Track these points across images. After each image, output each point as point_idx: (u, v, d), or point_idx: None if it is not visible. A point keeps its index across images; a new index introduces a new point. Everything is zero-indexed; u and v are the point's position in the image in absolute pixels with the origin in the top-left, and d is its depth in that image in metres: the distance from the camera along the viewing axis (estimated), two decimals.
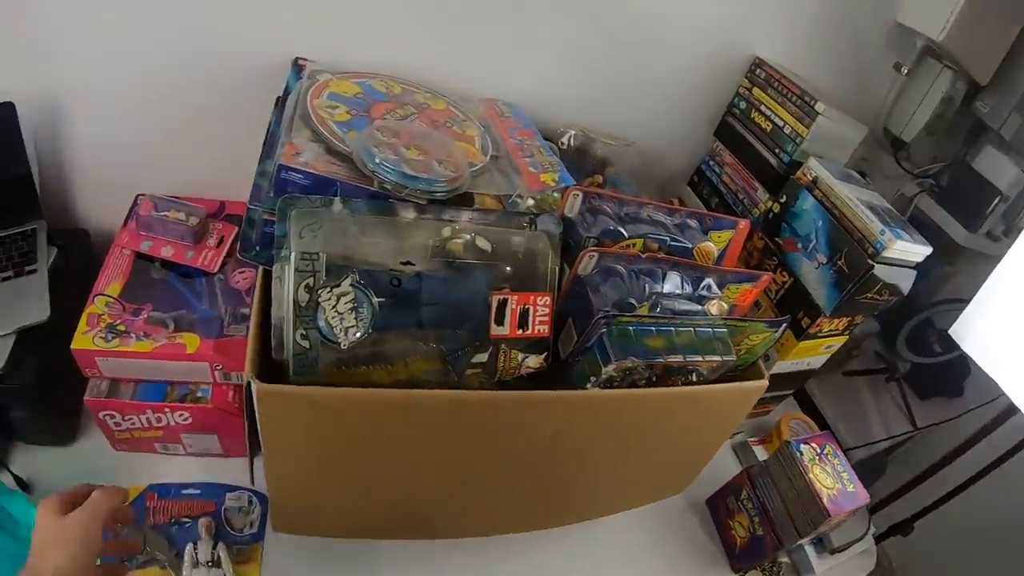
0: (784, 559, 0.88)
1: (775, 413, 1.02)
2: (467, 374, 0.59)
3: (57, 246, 0.73)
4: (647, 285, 0.66)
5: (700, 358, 0.65)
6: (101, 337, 0.67)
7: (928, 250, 0.74)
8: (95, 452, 0.72)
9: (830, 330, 0.83)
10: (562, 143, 0.90)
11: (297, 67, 0.75)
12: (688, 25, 0.89)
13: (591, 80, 0.93)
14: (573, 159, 0.89)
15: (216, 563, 0.68)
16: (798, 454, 0.81)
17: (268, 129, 0.70)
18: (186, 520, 0.70)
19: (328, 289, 0.53)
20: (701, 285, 0.71)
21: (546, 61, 0.89)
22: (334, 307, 0.53)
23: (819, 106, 0.81)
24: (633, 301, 0.65)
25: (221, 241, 0.81)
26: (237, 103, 0.78)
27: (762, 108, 0.91)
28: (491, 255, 0.59)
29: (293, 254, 0.52)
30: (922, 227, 0.85)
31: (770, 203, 0.89)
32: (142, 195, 0.79)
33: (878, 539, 0.92)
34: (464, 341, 0.58)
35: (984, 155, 0.93)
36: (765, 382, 0.72)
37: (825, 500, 0.75)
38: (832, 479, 0.79)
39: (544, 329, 0.60)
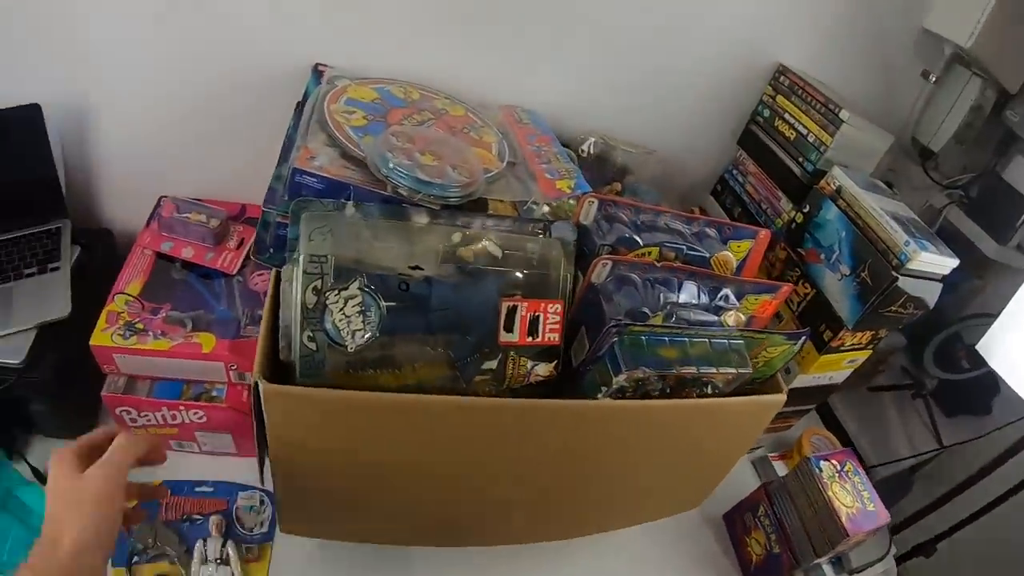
0: None
1: (796, 428, 0.99)
2: (476, 381, 0.58)
3: (81, 245, 0.74)
4: (662, 294, 0.65)
5: (715, 370, 0.62)
6: (120, 334, 0.67)
7: (955, 262, 0.71)
8: None
9: (853, 344, 0.80)
10: (582, 150, 0.88)
11: (317, 73, 0.75)
12: (711, 32, 0.87)
13: (613, 88, 0.92)
14: (593, 167, 0.88)
15: (225, 561, 0.68)
16: (817, 471, 0.78)
17: (287, 134, 0.71)
18: (198, 517, 0.70)
19: (336, 292, 0.52)
20: (718, 295, 0.69)
21: (568, 69, 0.88)
22: (341, 310, 0.52)
23: (844, 114, 0.78)
24: (647, 310, 0.63)
25: (241, 243, 0.81)
26: (259, 108, 0.78)
27: (786, 116, 0.88)
28: (503, 261, 0.58)
29: (302, 256, 0.51)
30: (951, 239, 0.81)
31: (793, 213, 0.86)
32: (165, 197, 0.80)
33: (899, 560, 0.88)
34: (473, 347, 0.57)
35: (1015, 165, 0.89)
36: (783, 396, 0.69)
37: (844, 519, 0.73)
38: (852, 497, 0.76)
39: (555, 337, 0.59)
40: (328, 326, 0.52)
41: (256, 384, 0.50)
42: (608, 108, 0.93)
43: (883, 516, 0.75)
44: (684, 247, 0.68)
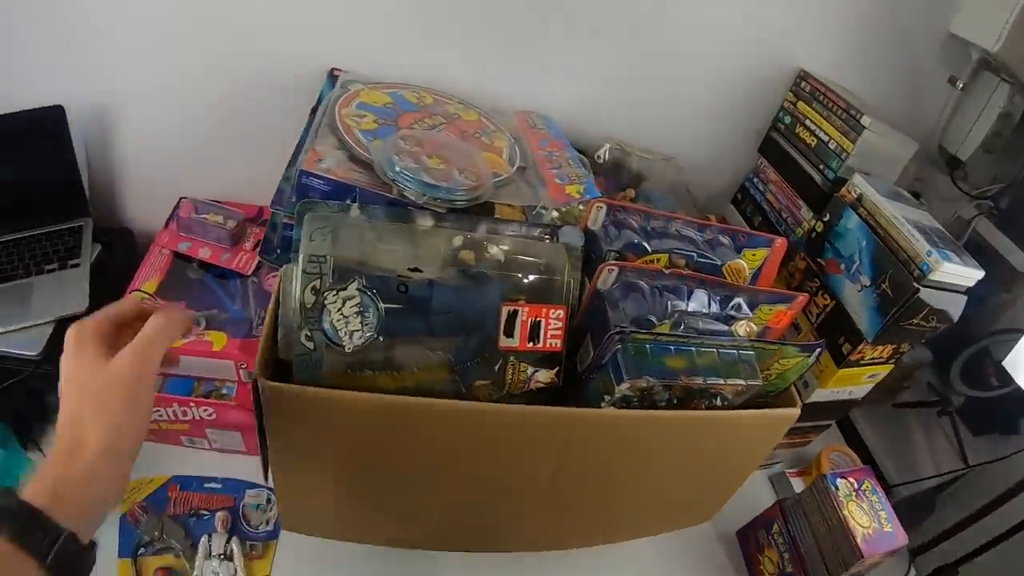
0: None
1: (815, 444, 0.95)
2: (476, 385, 0.57)
3: (101, 243, 0.76)
4: (670, 302, 0.63)
5: (723, 381, 0.60)
6: None
7: (980, 274, 0.67)
8: None
9: (873, 358, 0.77)
10: (598, 156, 0.87)
11: (332, 78, 0.75)
12: (730, 37, 0.85)
13: (631, 94, 0.90)
14: (609, 173, 0.87)
15: (228, 556, 0.68)
16: (833, 488, 0.74)
17: (300, 137, 0.71)
18: (205, 512, 0.71)
19: (334, 292, 0.52)
20: (730, 304, 0.66)
21: (586, 76, 0.88)
22: (339, 310, 0.52)
23: (865, 119, 0.75)
24: (653, 318, 0.61)
25: (257, 245, 0.82)
26: (278, 112, 0.79)
27: (807, 122, 0.85)
28: (506, 266, 0.57)
29: (301, 256, 0.51)
30: (979, 252, 0.77)
31: (813, 222, 0.83)
32: (184, 198, 0.82)
33: None
34: (474, 352, 0.56)
35: None
36: (796, 411, 0.66)
37: (859, 539, 0.69)
38: (868, 518, 0.72)
39: (557, 343, 0.57)
40: (326, 326, 0.52)
41: (256, 381, 0.50)
42: (626, 114, 0.92)
43: (901, 538, 0.71)
44: (695, 254, 0.66)
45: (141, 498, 0.70)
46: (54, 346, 0.66)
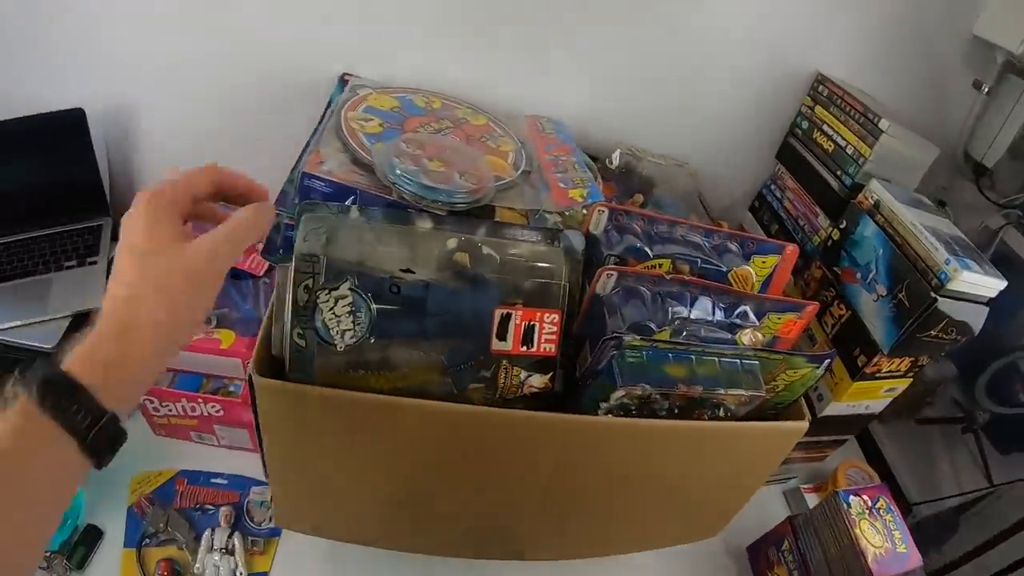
0: None
1: (832, 459, 0.91)
2: (470, 389, 0.56)
3: None
4: (671, 309, 0.61)
5: (724, 391, 0.58)
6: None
7: (1001, 284, 0.63)
8: (137, 434, 0.74)
9: (890, 371, 0.73)
10: (609, 161, 0.85)
11: (343, 82, 0.76)
12: (746, 40, 0.83)
13: (646, 99, 0.89)
14: (620, 178, 0.85)
15: (230, 551, 0.68)
16: (845, 506, 0.71)
17: (308, 140, 0.71)
18: (210, 507, 0.71)
19: (327, 291, 0.51)
20: (735, 312, 0.64)
21: (600, 80, 0.87)
22: (331, 309, 0.52)
23: (883, 123, 0.72)
24: (652, 325, 0.59)
25: None
26: (291, 116, 0.79)
27: (824, 127, 0.82)
28: (503, 269, 0.56)
29: (294, 255, 0.51)
30: (1006, 262, 0.73)
31: (830, 230, 0.80)
32: None
33: None
34: (468, 355, 0.55)
35: None
36: (805, 424, 0.63)
37: (870, 559, 0.66)
38: (881, 537, 0.68)
39: (551, 348, 0.56)
40: (318, 324, 0.52)
41: (250, 376, 0.50)
42: (641, 119, 0.90)
43: (915, 559, 0.67)
44: (699, 260, 0.64)
45: (149, 490, 0.71)
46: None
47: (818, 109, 0.84)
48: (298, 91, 0.79)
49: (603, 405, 0.56)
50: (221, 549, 0.68)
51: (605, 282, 0.59)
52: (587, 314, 0.61)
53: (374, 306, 0.52)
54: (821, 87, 0.83)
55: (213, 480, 0.73)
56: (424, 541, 0.69)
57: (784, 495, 0.92)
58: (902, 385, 0.76)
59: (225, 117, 0.80)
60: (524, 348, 0.55)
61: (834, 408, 0.77)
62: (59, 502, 0.35)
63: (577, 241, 0.62)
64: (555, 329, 0.55)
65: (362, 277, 0.52)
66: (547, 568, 0.73)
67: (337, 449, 0.56)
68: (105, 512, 0.68)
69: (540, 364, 0.56)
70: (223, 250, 0.38)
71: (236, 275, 0.79)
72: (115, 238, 0.77)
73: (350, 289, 0.52)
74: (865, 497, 0.72)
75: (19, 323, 0.65)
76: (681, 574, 0.80)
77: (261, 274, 0.80)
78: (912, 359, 0.72)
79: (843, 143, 0.79)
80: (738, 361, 0.59)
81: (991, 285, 0.64)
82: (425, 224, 0.59)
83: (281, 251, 0.64)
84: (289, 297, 0.52)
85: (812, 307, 0.66)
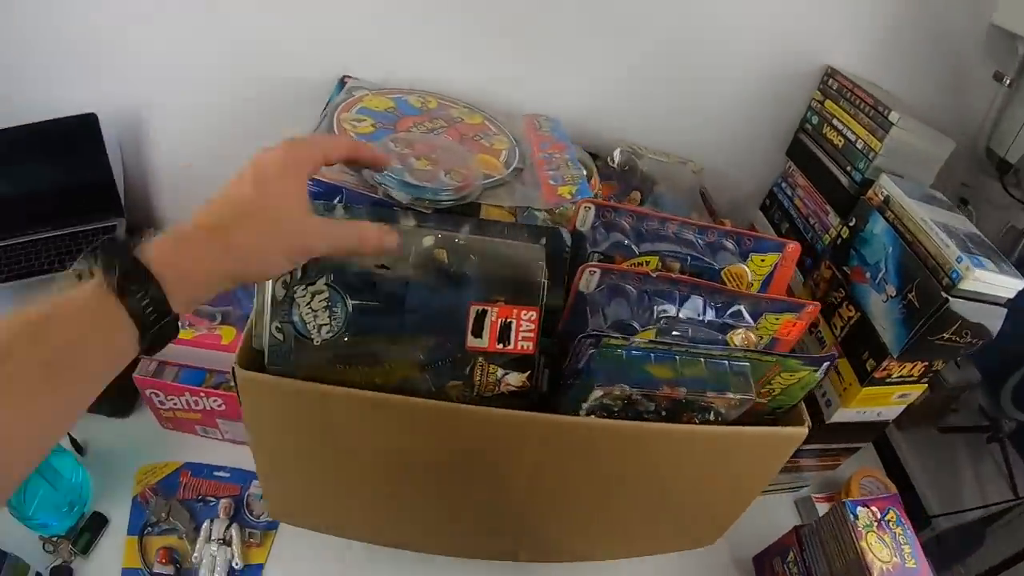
0: None
1: (845, 467, 0.85)
2: (448, 386, 0.54)
3: None
4: (657, 308, 0.57)
5: (711, 393, 0.54)
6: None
7: (1020, 283, 0.57)
8: (146, 427, 0.76)
9: (902, 376, 0.67)
10: (610, 159, 0.82)
11: (342, 84, 0.75)
12: (754, 34, 0.79)
13: (651, 96, 0.85)
14: (622, 176, 0.82)
15: (227, 542, 0.68)
16: (852, 517, 0.66)
17: None
18: (211, 499, 0.71)
19: (303, 287, 0.51)
20: (728, 312, 0.60)
21: (605, 77, 0.84)
22: (308, 304, 0.51)
23: (893, 115, 0.67)
24: (635, 324, 0.56)
25: None
26: (297, 118, 0.79)
27: (834, 122, 0.77)
28: (483, 266, 0.54)
29: None
30: None
31: (840, 227, 0.75)
32: None
33: None
34: (446, 352, 0.53)
35: None
36: (803, 430, 0.59)
37: (875, 574, 0.60)
38: (890, 551, 0.63)
39: (529, 346, 0.53)
40: (295, 319, 0.51)
41: (233, 368, 0.50)
42: (646, 117, 0.87)
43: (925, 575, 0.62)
44: (689, 257, 0.61)
45: (154, 481, 0.72)
46: None
47: (828, 103, 0.79)
48: (304, 93, 0.79)
49: (584, 406, 0.54)
50: (219, 540, 0.68)
51: (588, 279, 0.56)
52: (571, 312, 0.58)
53: (350, 301, 0.51)
54: (831, 80, 0.78)
55: (216, 473, 0.74)
56: (413, 539, 0.67)
57: (795, 504, 0.86)
58: (916, 391, 0.70)
59: (235, 118, 0.81)
60: (500, 345, 0.53)
61: (843, 415, 0.72)
62: (103, 380, 0.36)
63: (561, 238, 0.59)
64: (533, 327, 0.53)
65: (339, 273, 0.51)
66: (543, 571, 0.71)
67: (316, 442, 0.55)
68: (112, 501, 0.69)
69: (518, 362, 0.54)
70: (321, 244, 0.42)
71: None
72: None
73: (326, 284, 0.51)
74: (874, 508, 0.67)
75: None
76: None
77: None
78: (925, 363, 0.66)
79: (853, 137, 0.74)
80: (727, 363, 0.55)
81: (1008, 285, 0.58)
82: (409, 222, 0.58)
83: None
84: (268, 292, 0.51)
85: (812, 307, 0.61)
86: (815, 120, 0.81)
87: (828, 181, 0.78)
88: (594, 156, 0.82)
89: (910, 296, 0.62)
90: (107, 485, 0.70)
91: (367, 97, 0.71)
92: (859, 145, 0.72)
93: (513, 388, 0.54)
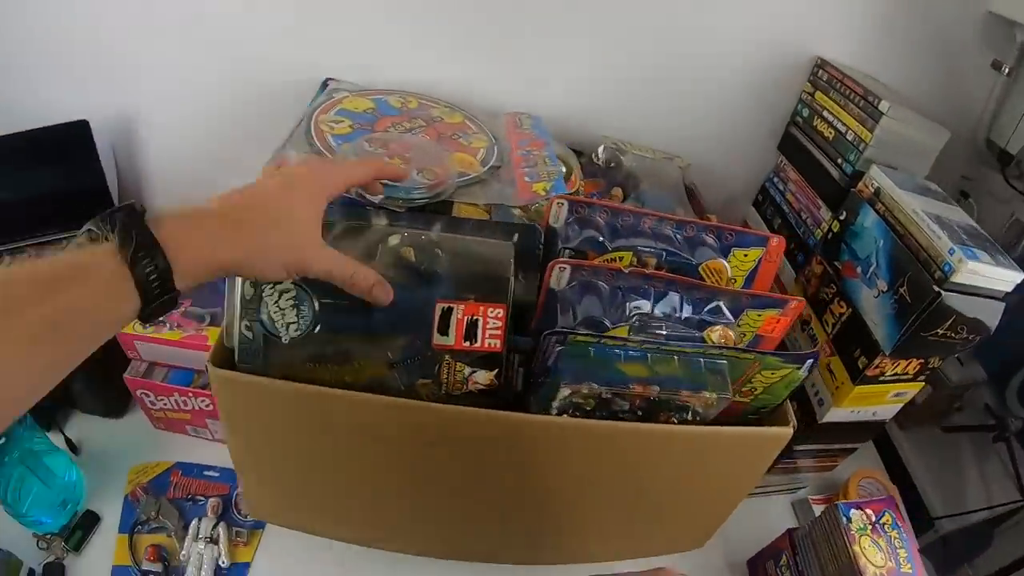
0: None
1: (843, 468, 0.80)
2: (418, 384, 0.52)
3: None
4: (630, 304, 0.55)
5: (687, 392, 0.52)
6: (141, 324, 0.70)
7: (1018, 276, 0.53)
8: (138, 427, 0.75)
9: (896, 374, 0.63)
10: (595, 156, 0.80)
11: (324, 86, 0.74)
12: (742, 26, 0.76)
13: (638, 90, 0.83)
14: (607, 173, 0.79)
15: (214, 540, 0.67)
16: (845, 520, 0.62)
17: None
18: (200, 498, 0.71)
19: (271, 286, 0.50)
20: (706, 308, 0.57)
21: (591, 73, 0.81)
22: (276, 303, 0.50)
23: (883, 105, 0.63)
24: (606, 321, 0.53)
25: None
26: (287, 120, 0.79)
27: (824, 114, 0.74)
28: (451, 264, 0.52)
29: None
30: None
31: (831, 222, 0.71)
32: None
33: None
34: (415, 350, 0.52)
35: None
36: (788, 430, 0.56)
37: None
38: (884, 555, 0.59)
39: (496, 344, 0.51)
40: (264, 317, 0.50)
41: (207, 366, 0.50)
42: (634, 112, 0.84)
43: None
44: (664, 253, 0.58)
45: (145, 480, 0.71)
46: None
47: (818, 95, 0.75)
48: (293, 97, 0.78)
49: (554, 404, 0.52)
50: (206, 538, 0.67)
51: (559, 276, 0.54)
52: (543, 310, 0.56)
53: (316, 301, 0.50)
54: (821, 71, 0.75)
55: (206, 472, 0.73)
56: (389, 538, 0.65)
57: (792, 506, 0.82)
58: (912, 390, 0.66)
59: (225, 123, 0.81)
60: (467, 343, 0.51)
61: (836, 414, 0.68)
62: (101, 341, 0.36)
63: (532, 235, 0.57)
64: (500, 324, 0.51)
65: None
66: (525, 573, 0.68)
67: (289, 440, 0.54)
68: (104, 499, 0.69)
69: (485, 360, 0.52)
70: (318, 267, 0.43)
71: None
72: None
73: (294, 283, 0.50)
74: (868, 511, 0.63)
75: None
76: None
77: None
78: (921, 361, 0.62)
79: (843, 129, 0.70)
80: (702, 360, 0.53)
81: (1005, 277, 0.54)
82: (381, 221, 0.56)
83: None
84: (237, 291, 0.50)
85: (797, 303, 0.58)
86: (806, 113, 0.78)
87: (819, 174, 0.74)
88: (579, 153, 0.80)
89: (901, 291, 0.59)
90: (100, 484, 0.70)
91: (347, 99, 0.70)
92: (849, 137, 0.69)
93: (481, 386, 0.52)
